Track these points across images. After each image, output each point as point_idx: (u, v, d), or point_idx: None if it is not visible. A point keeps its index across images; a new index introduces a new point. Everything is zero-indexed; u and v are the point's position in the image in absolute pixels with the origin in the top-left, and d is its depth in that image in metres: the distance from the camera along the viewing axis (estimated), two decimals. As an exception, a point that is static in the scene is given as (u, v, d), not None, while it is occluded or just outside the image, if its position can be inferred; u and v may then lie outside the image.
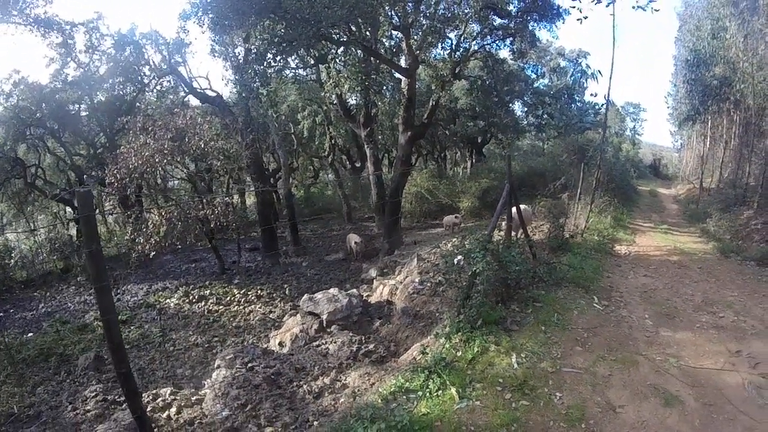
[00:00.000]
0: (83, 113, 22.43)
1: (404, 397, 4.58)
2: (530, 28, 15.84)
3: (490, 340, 5.36)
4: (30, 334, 11.14)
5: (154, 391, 6.65)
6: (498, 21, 15.71)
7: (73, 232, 22.26)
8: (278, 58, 13.13)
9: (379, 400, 4.59)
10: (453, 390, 4.47)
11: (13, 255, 17.53)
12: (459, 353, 5.19)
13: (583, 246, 10.32)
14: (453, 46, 16.55)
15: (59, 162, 23.13)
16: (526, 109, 30.21)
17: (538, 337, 5.54)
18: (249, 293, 13.56)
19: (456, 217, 17.27)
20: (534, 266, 7.54)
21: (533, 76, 31.15)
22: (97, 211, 22.46)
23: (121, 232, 18.86)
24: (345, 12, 11.06)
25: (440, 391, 4.53)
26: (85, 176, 22.09)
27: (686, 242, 12.18)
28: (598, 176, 13.20)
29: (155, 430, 5.32)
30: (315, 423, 4.82)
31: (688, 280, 8.44)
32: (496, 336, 5.46)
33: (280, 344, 8.64)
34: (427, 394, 4.52)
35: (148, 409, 5.98)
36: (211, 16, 12.16)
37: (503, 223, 8.03)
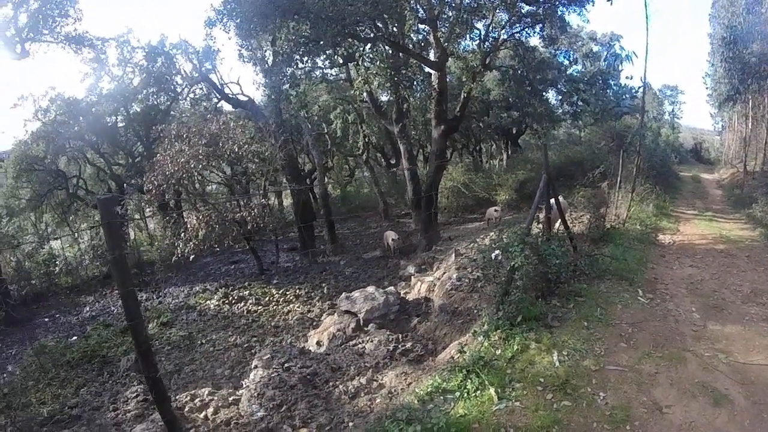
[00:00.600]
0: (120, 124, 23.15)
1: (441, 397, 4.44)
2: (559, 12, 15.40)
3: (530, 338, 5.16)
4: (74, 338, 11.54)
5: (193, 392, 6.73)
6: (526, 8, 15.31)
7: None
8: (305, 59, 13.15)
9: (416, 401, 4.47)
10: (492, 390, 4.31)
11: (57, 262, 18.24)
12: (498, 351, 5.01)
13: (626, 236, 9.90)
14: (482, 37, 16.18)
15: (99, 172, 23.96)
16: (560, 97, 29.43)
17: (581, 333, 5.30)
18: (287, 293, 13.67)
19: (496, 210, 16.90)
20: (575, 259, 7.26)
21: (566, 62, 30.28)
22: (138, 217, 23.25)
23: (161, 237, 19.38)
24: (368, 8, 10.96)
25: (478, 392, 4.37)
26: (125, 185, 22.82)
27: (732, 229, 11.55)
28: (638, 163, 12.65)
29: (192, 430, 5.36)
30: (350, 424, 4.73)
31: (735, 269, 7.97)
32: (536, 333, 5.25)
33: (318, 343, 8.63)
34: (465, 394, 4.37)
35: (186, 409, 6.06)
36: (236, 21, 12.29)
37: (541, 215, 7.77)
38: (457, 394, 4.41)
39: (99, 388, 8.54)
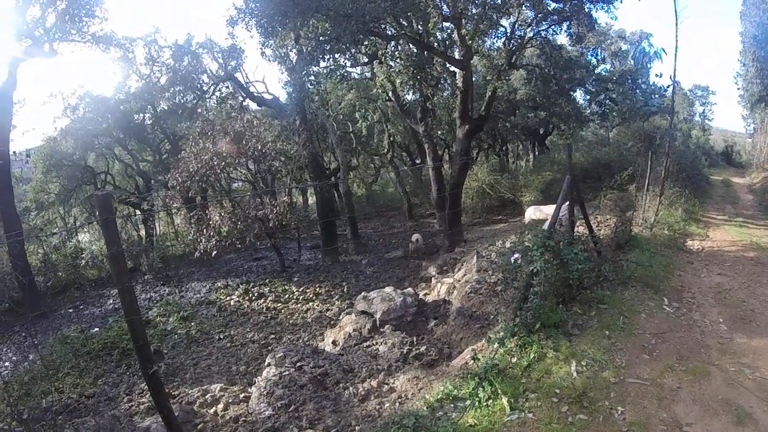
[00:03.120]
0: (147, 122, 23.67)
1: (451, 405, 4.29)
2: (586, 9, 14.96)
3: (548, 346, 4.96)
4: (96, 329, 11.71)
5: (205, 387, 6.76)
6: (552, 5, 14.90)
7: (143, 233, 23.51)
8: (327, 57, 13.10)
9: (425, 408, 4.33)
10: (504, 400, 4.14)
11: (83, 255, 18.68)
12: (513, 359, 4.84)
13: (653, 241, 9.55)
14: (507, 34, 15.88)
15: (127, 168, 24.62)
16: (588, 96, 28.80)
17: (602, 342, 5.07)
18: (307, 291, 13.63)
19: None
20: (598, 264, 6.99)
21: (594, 61, 29.59)
22: (164, 212, 23.69)
23: (186, 232, 19.71)
24: (388, 4, 10.82)
25: (490, 401, 4.20)
26: (152, 181, 23.27)
27: (763, 236, 10.97)
28: (668, 165, 12.22)
29: (200, 425, 5.35)
30: (357, 428, 4.62)
31: (765, 279, 7.55)
32: (555, 341, 5.04)
33: (334, 343, 8.59)
34: (476, 403, 4.20)
35: (197, 404, 6.10)
36: (257, 19, 12.32)
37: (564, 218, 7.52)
38: (468, 402, 4.25)
39: (116, 379, 8.64)
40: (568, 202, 7.03)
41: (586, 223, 7.66)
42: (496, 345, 5.14)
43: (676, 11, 10.93)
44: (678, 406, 4.05)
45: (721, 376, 4.47)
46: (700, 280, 7.61)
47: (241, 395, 6.24)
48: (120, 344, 9.89)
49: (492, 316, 6.94)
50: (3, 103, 15.81)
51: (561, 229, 6.68)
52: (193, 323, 11.68)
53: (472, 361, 5.12)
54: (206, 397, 6.30)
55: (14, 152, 17.48)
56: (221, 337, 10.71)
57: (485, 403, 4.19)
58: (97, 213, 3.36)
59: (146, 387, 7.27)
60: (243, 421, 5.41)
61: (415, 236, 16.44)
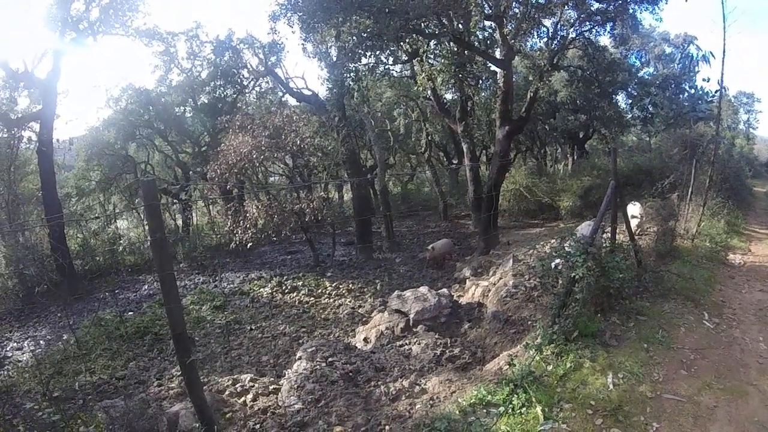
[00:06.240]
0: (188, 114, 24.32)
1: (484, 410, 4.25)
2: (631, 11, 14.56)
3: (585, 355, 4.87)
4: (130, 313, 12.08)
5: (235, 377, 6.86)
6: (596, 5, 14.51)
7: (180, 222, 24.12)
8: (368, 54, 13.13)
9: (457, 412, 4.31)
10: (538, 408, 4.08)
11: (121, 241, 19.28)
12: (549, 367, 4.77)
13: (694, 253, 9.24)
14: (550, 35, 15.55)
15: (167, 159, 25.32)
16: (630, 100, 27.93)
17: (639, 355, 4.96)
18: (340, 286, 13.73)
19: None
20: (639, 274, 6.81)
21: (637, 64, 28.67)
22: (201, 203, 24.24)
23: (222, 223, 20.13)
24: (432, 1, 10.75)
25: (524, 409, 4.15)
26: (190, 172, 23.83)
27: (806, 253, 10.50)
28: (712, 174, 11.76)
29: (229, 414, 5.45)
30: (387, 428, 4.62)
31: (809, 298, 7.23)
32: (592, 351, 4.96)
33: (365, 340, 8.60)
34: (510, 410, 4.16)
35: (226, 393, 6.19)
36: (299, 15, 12.43)
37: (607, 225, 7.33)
38: (502, 408, 4.20)
39: (147, 363, 8.86)
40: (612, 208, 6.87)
41: (627, 231, 7.47)
42: (532, 351, 5.06)
43: (724, 14, 10.48)
44: (713, 426, 3.96)
45: (759, 397, 4.36)
46: (741, 295, 7.36)
47: (271, 387, 6.30)
48: (153, 329, 10.19)
49: (529, 322, 6.85)
50: (47, 93, 16.45)
51: (603, 236, 6.51)
52: (225, 313, 11.91)
53: (508, 367, 5.06)
54: (236, 386, 6.39)
55: (57, 140, 18.21)
56: (253, 327, 10.88)
57: (519, 411, 4.14)
58: (143, 199, 3.38)
59: (176, 372, 7.47)
60: (272, 413, 5.46)
61: (437, 243, 16.01)
